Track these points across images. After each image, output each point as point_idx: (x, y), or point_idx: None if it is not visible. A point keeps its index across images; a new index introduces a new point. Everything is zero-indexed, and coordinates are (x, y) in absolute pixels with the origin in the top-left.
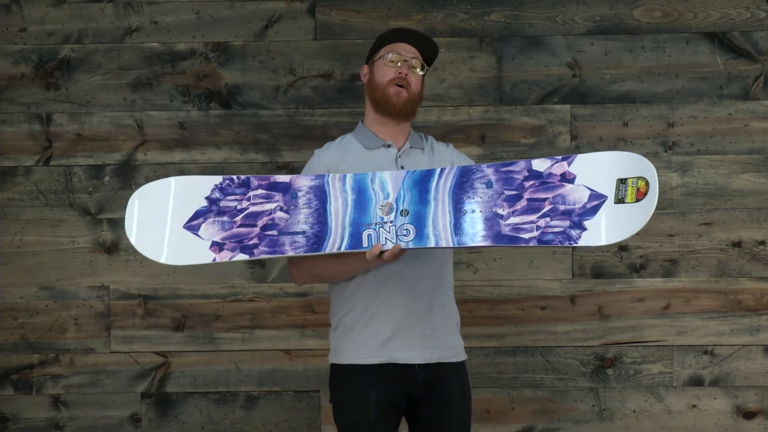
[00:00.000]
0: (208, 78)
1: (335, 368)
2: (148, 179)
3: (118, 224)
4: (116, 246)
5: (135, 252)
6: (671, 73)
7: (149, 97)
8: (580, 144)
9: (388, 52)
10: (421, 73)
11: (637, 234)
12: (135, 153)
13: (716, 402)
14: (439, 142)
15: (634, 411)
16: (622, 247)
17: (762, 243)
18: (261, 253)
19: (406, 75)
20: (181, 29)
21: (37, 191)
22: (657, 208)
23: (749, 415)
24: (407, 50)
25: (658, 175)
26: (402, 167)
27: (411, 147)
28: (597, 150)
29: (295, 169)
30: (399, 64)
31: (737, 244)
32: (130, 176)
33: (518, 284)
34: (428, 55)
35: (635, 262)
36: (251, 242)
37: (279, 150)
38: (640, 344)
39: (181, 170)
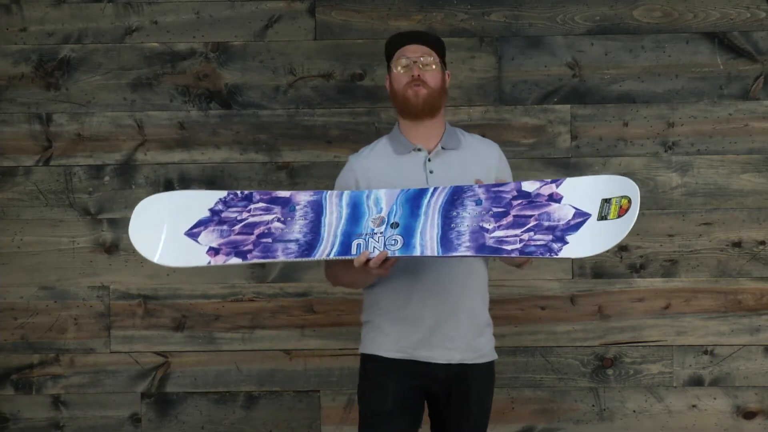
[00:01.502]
0: (208, 78)
1: (361, 358)
2: (148, 179)
3: (118, 224)
4: (116, 246)
5: (135, 252)
6: (671, 73)
7: (149, 97)
8: (580, 144)
9: (398, 57)
10: (435, 68)
11: (637, 234)
12: (135, 153)
13: (716, 402)
14: (484, 140)
15: (634, 411)
16: (622, 247)
17: (762, 243)
18: (254, 258)
19: (419, 75)
20: (181, 29)
21: (37, 191)
22: (657, 208)
23: (749, 415)
24: (415, 50)
25: (658, 175)
26: (431, 171)
27: (443, 148)
28: (597, 150)
29: (295, 169)
30: (410, 66)
31: (737, 244)
32: (130, 176)
33: (518, 284)
34: (439, 50)
35: (635, 262)
36: (246, 248)
37: (279, 150)
38: (640, 344)
39: (181, 170)
